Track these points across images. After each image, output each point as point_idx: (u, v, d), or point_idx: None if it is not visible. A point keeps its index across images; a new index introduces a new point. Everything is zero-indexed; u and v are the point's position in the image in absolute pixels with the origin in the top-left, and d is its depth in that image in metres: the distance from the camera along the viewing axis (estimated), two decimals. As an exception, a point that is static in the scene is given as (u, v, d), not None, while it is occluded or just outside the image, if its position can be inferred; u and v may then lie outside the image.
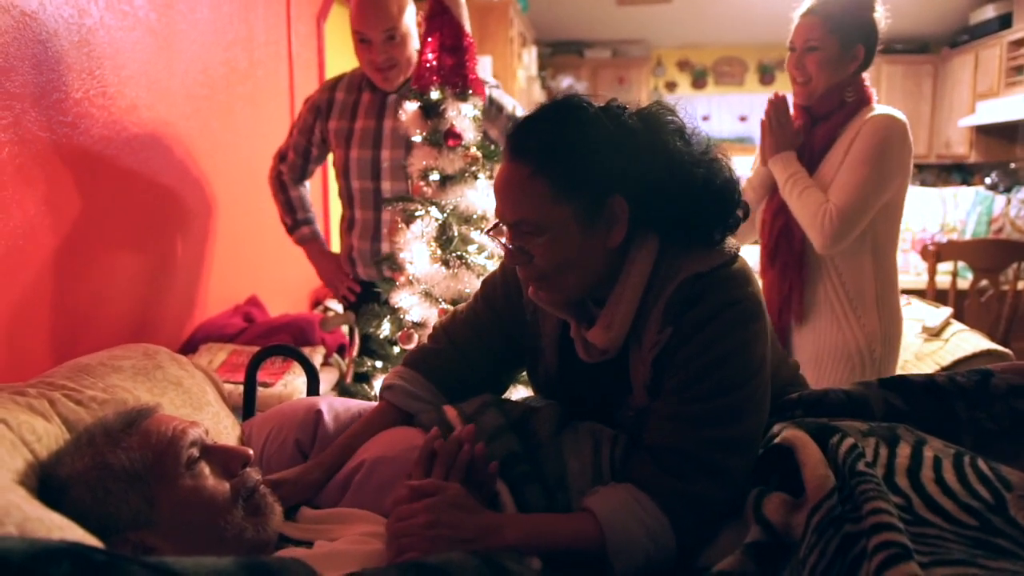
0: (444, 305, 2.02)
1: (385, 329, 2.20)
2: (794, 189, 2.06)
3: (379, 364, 2.27)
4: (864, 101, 2.11)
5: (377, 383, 2.19)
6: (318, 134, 2.67)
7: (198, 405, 1.47)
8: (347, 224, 2.72)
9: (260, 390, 2.33)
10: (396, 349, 2.24)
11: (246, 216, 3.06)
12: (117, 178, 2.41)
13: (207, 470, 1.17)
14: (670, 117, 1.27)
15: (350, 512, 1.31)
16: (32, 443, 1.16)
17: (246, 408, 1.66)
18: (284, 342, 2.73)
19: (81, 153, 2.23)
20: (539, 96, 7.57)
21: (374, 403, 1.53)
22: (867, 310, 2.10)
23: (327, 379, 2.67)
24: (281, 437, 1.48)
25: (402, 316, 2.10)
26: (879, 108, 2.09)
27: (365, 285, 2.71)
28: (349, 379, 2.46)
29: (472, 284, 2.01)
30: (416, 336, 2.08)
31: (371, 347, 2.30)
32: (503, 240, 1.28)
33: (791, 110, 2.17)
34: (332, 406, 1.50)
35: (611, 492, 1.19)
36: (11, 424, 1.15)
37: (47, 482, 1.13)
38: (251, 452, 1.22)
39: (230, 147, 3.07)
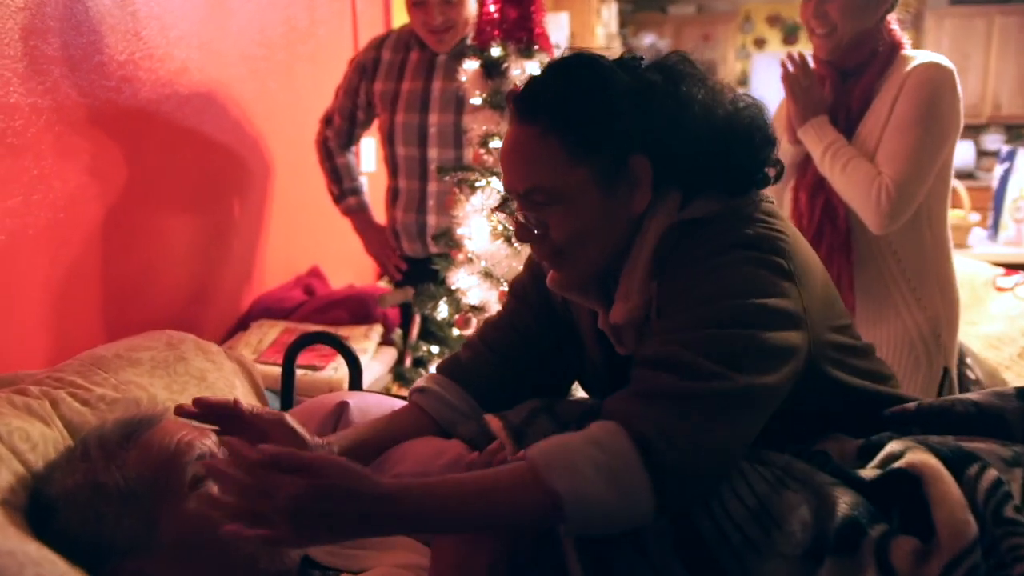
0: (506, 287, 1.83)
1: (442, 311, 2.02)
2: (835, 161, 1.78)
3: (436, 349, 2.09)
4: (895, 49, 1.82)
5: (433, 369, 2.02)
6: (363, 96, 2.51)
7: (223, 403, 1.32)
8: (391, 195, 2.56)
9: (309, 374, 2.19)
10: (456, 332, 2.07)
11: (308, 182, 2.92)
12: (167, 144, 2.29)
13: (215, 490, 1.02)
14: (691, 68, 1.11)
15: (384, 539, 1.15)
16: (24, 453, 1.03)
17: (283, 402, 1.52)
18: (342, 318, 2.59)
19: (126, 119, 2.11)
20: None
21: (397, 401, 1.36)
22: (929, 291, 1.84)
23: (385, 360, 2.52)
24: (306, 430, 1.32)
25: (460, 298, 1.92)
26: (919, 56, 1.79)
27: (414, 262, 2.56)
28: (408, 363, 2.31)
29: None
30: (474, 321, 1.90)
31: (429, 329, 2.13)
32: (513, 214, 1.14)
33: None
34: (364, 400, 1.33)
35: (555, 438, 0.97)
36: (0, 433, 1.02)
37: (36, 500, 0.99)
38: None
39: (290, 109, 2.92)
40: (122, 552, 0.96)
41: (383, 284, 3.47)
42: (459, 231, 1.95)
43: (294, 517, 0.81)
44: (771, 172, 1.13)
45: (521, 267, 1.79)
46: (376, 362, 2.40)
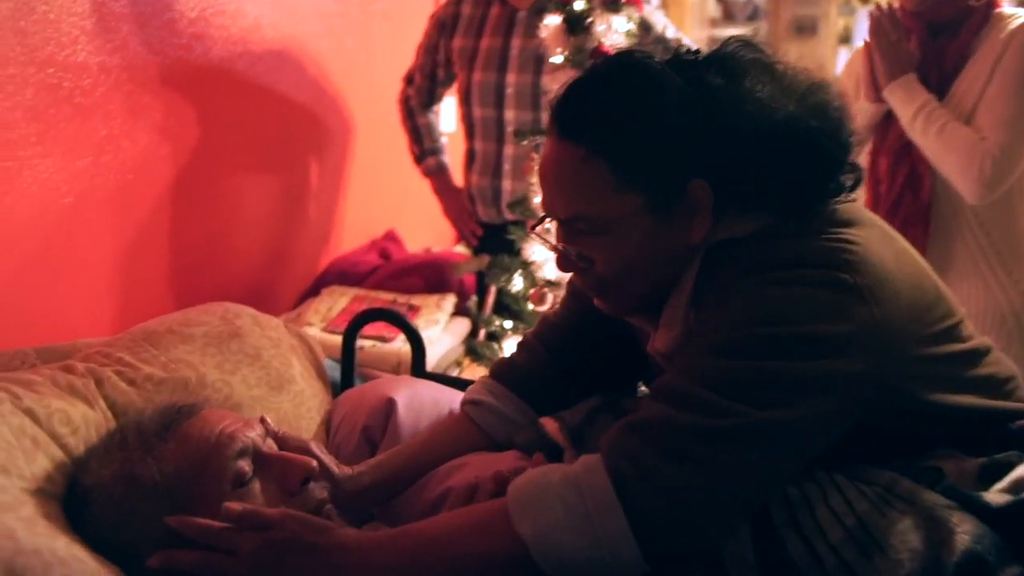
0: (582, 263, 1.70)
1: (517, 284, 1.91)
2: (929, 124, 1.61)
3: (510, 324, 1.98)
4: (991, 5, 1.65)
5: (508, 344, 1.92)
6: (443, 54, 2.40)
7: (277, 384, 1.25)
8: (468, 157, 2.47)
9: (377, 346, 2.13)
10: (531, 305, 1.95)
11: (386, 142, 2.84)
12: (240, 103, 2.24)
13: (258, 488, 0.94)
14: (753, 55, 0.93)
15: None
16: (64, 436, 0.98)
17: (342, 380, 1.44)
18: (416, 286, 2.52)
19: (198, 77, 2.06)
20: (713, 11, 6.88)
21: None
22: (1020, 264, 1.69)
23: (458, 332, 2.43)
24: (351, 422, 1.25)
25: (535, 271, 1.80)
26: (1021, 14, 1.62)
27: (490, 228, 2.46)
28: (482, 336, 2.21)
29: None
30: (550, 297, 1.78)
31: (504, 302, 2.03)
32: (552, 241, 0.99)
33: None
34: (416, 397, 1.24)
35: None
36: (39, 415, 0.96)
37: (72, 489, 0.93)
38: (314, 464, 0.97)
39: (367, 67, 2.83)
40: (156, 551, 0.89)
41: (460, 250, 3.39)
42: (536, 199, 1.82)
43: (254, 572, 0.83)
44: (847, 180, 0.94)
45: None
46: (448, 334, 2.32)
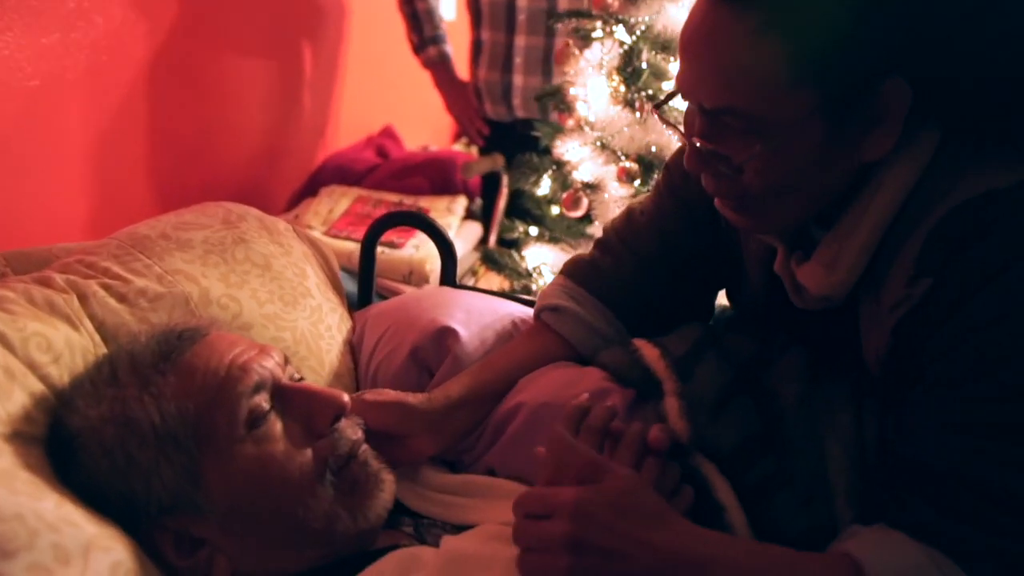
0: (626, 163, 1.51)
1: (544, 187, 1.72)
2: None
3: (534, 231, 1.80)
4: None
5: (529, 253, 1.75)
6: None
7: (291, 298, 1.07)
8: (474, 48, 2.25)
9: (386, 252, 1.94)
10: (555, 210, 1.77)
11: (383, 28, 2.59)
12: (225, -24, 1.98)
13: (278, 429, 0.78)
14: None
15: (494, 483, 0.91)
16: (44, 366, 0.80)
17: (361, 294, 1.27)
18: (420, 187, 2.33)
19: (178, -57, 1.80)
20: None
21: (530, 311, 1.09)
22: None
23: (469, 237, 2.25)
24: (395, 341, 1.06)
25: (568, 172, 1.61)
26: None
27: (499, 127, 2.28)
28: (493, 242, 2.04)
29: (669, 139, 1.47)
30: (585, 202, 1.60)
31: (523, 206, 1.84)
32: (686, 132, 0.78)
33: None
34: (474, 319, 1.06)
35: (886, 542, 0.70)
36: (12, 341, 0.78)
37: (56, 431, 0.77)
38: (346, 399, 0.81)
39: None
40: (161, 509, 0.74)
41: (459, 148, 3.17)
42: (571, 91, 1.61)
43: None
44: None
45: (646, 139, 1.48)
46: (460, 239, 2.14)
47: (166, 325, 0.82)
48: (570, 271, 1.04)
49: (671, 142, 1.50)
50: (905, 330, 0.74)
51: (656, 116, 0.90)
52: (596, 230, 1.71)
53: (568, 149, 1.56)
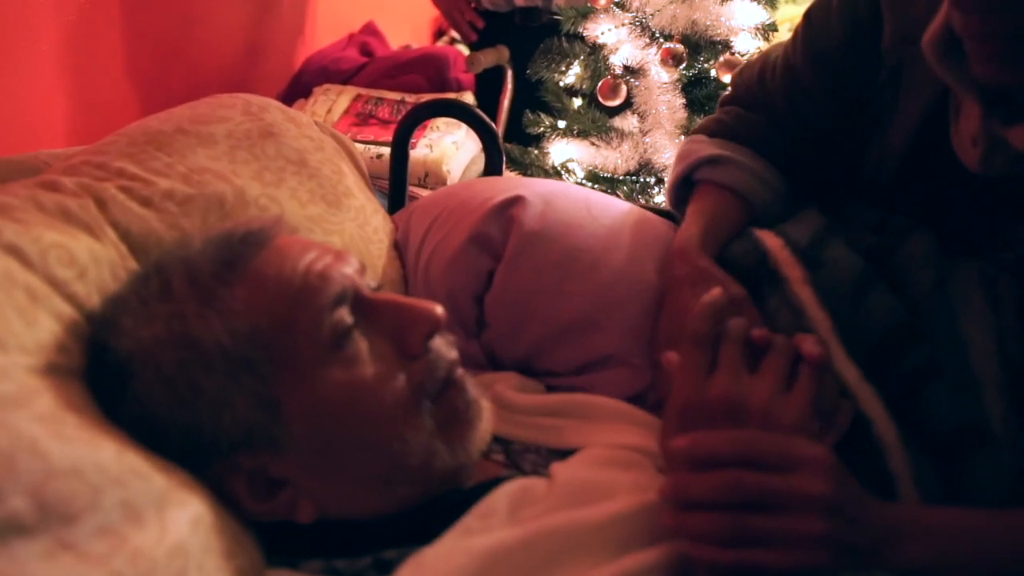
0: (667, 44, 1.36)
1: (570, 75, 1.56)
2: None
3: (563, 124, 1.64)
4: None
5: (555, 149, 1.60)
6: None
7: (333, 197, 0.92)
8: None
9: (398, 154, 1.78)
10: (577, 102, 1.62)
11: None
12: None
13: (366, 349, 0.65)
14: None
15: (596, 402, 0.80)
16: (69, 283, 0.66)
17: (393, 194, 1.12)
18: (418, 84, 2.15)
19: None
20: None
21: (600, 194, 0.96)
22: None
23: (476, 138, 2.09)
24: (449, 225, 0.91)
25: (604, 57, 1.45)
26: None
27: (495, 17, 2.08)
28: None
29: (716, 16, 1.30)
30: (624, 89, 1.44)
31: (542, 99, 1.68)
32: None
33: None
34: (538, 188, 0.92)
35: None
36: (29, 254, 0.63)
37: (99, 360, 0.63)
38: (440, 311, 0.68)
39: None
40: (233, 445, 0.61)
41: (443, 43, 2.98)
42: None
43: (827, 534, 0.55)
44: None
45: (691, 15, 1.33)
46: (471, 139, 1.98)
47: (222, 227, 0.68)
48: (705, 129, 0.91)
49: (718, 19, 1.35)
50: None
51: None
52: (624, 122, 1.57)
53: (603, 31, 1.39)
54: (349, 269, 0.67)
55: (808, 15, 0.87)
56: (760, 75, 0.90)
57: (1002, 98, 0.70)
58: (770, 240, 0.79)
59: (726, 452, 0.57)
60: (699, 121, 1.00)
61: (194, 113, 0.92)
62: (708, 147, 0.87)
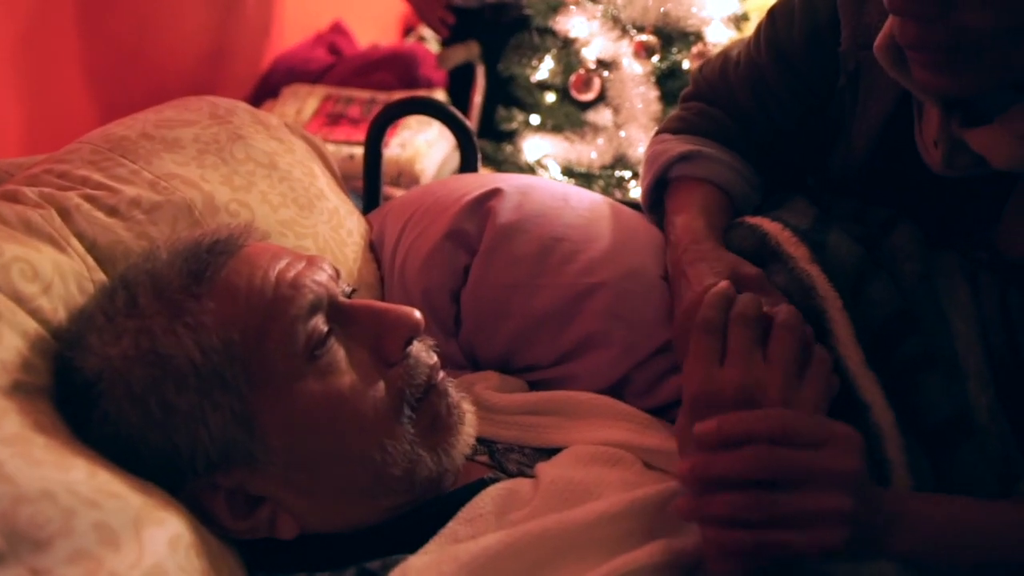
0: (640, 36, 1.35)
1: (543, 70, 1.55)
2: None
3: (537, 119, 1.63)
4: None
5: (528, 144, 1.59)
6: None
7: (306, 201, 0.90)
8: None
9: (370, 154, 1.76)
10: (550, 97, 1.61)
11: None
12: None
13: (342, 357, 0.63)
14: None
15: (577, 399, 0.79)
16: (34, 298, 0.63)
17: (368, 194, 1.11)
18: (387, 82, 2.14)
19: None
20: None
21: (577, 188, 0.95)
22: None
23: (448, 134, 2.07)
24: (425, 222, 0.89)
25: (576, 51, 1.44)
26: None
27: (466, 13, 2.07)
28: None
29: (687, 7, 1.30)
30: (597, 82, 1.43)
31: (514, 94, 1.67)
32: None
33: None
34: (515, 182, 0.90)
35: None
36: (-12, 267, 0.61)
37: (66, 379, 0.61)
38: (418, 316, 0.67)
39: None
40: (209, 464, 0.59)
41: (412, 40, 2.96)
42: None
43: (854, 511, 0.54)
44: None
45: (661, 7, 1.32)
46: (443, 138, 1.96)
47: (189, 237, 0.66)
48: (669, 128, 0.90)
49: (689, 10, 1.34)
50: None
51: None
52: (598, 116, 1.56)
53: (574, 24, 1.39)
54: (322, 275, 0.66)
55: (772, 14, 0.87)
56: (723, 70, 0.90)
57: (959, 101, 0.70)
58: (767, 224, 0.78)
59: (760, 429, 0.56)
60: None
61: (159, 117, 0.89)
62: (678, 145, 0.87)
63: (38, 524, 0.47)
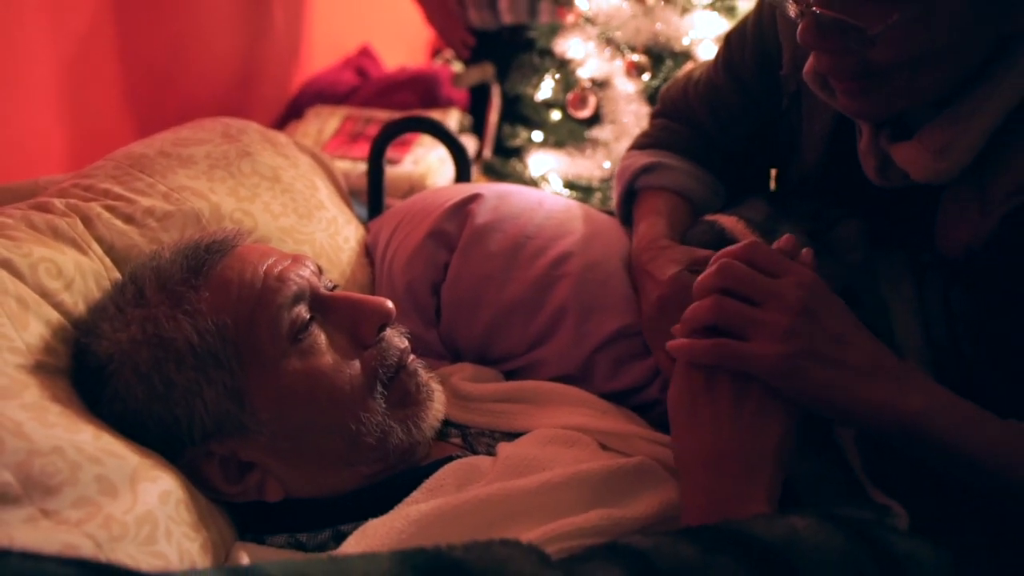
0: (633, 56, 1.43)
1: (545, 89, 1.64)
2: None
3: (538, 136, 1.72)
4: None
5: (533, 160, 1.67)
6: None
7: (305, 210, 1.00)
8: None
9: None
10: (556, 115, 1.69)
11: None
12: None
13: (323, 341, 0.73)
14: None
15: (544, 388, 0.87)
16: (57, 293, 0.74)
17: (371, 204, 1.20)
18: (409, 102, 2.23)
19: None
20: None
21: (554, 192, 1.03)
22: None
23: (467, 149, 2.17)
24: (412, 225, 0.98)
25: (572, 71, 1.53)
26: None
27: (485, 35, 2.16)
28: (488, 151, 1.96)
29: (677, 28, 1.38)
30: (592, 100, 1.52)
31: (522, 112, 1.76)
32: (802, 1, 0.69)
33: None
34: (496, 189, 0.99)
35: None
36: (20, 267, 0.72)
37: (82, 361, 0.71)
38: (391, 306, 0.76)
39: None
40: (205, 433, 0.69)
41: (439, 62, 3.06)
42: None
43: (794, 330, 0.62)
44: None
45: (653, 29, 1.40)
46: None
47: (190, 238, 0.76)
48: (636, 144, 0.99)
49: (679, 30, 1.42)
50: (1016, 222, 0.70)
51: None
52: (601, 132, 1.64)
53: (571, 46, 1.47)
54: (305, 271, 0.75)
55: (728, 38, 0.94)
56: (684, 90, 0.98)
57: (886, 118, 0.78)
58: (723, 219, 0.86)
59: (735, 251, 0.67)
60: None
61: (176, 136, 1.00)
62: (641, 158, 0.95)
63: (49, 473, 0.56)
